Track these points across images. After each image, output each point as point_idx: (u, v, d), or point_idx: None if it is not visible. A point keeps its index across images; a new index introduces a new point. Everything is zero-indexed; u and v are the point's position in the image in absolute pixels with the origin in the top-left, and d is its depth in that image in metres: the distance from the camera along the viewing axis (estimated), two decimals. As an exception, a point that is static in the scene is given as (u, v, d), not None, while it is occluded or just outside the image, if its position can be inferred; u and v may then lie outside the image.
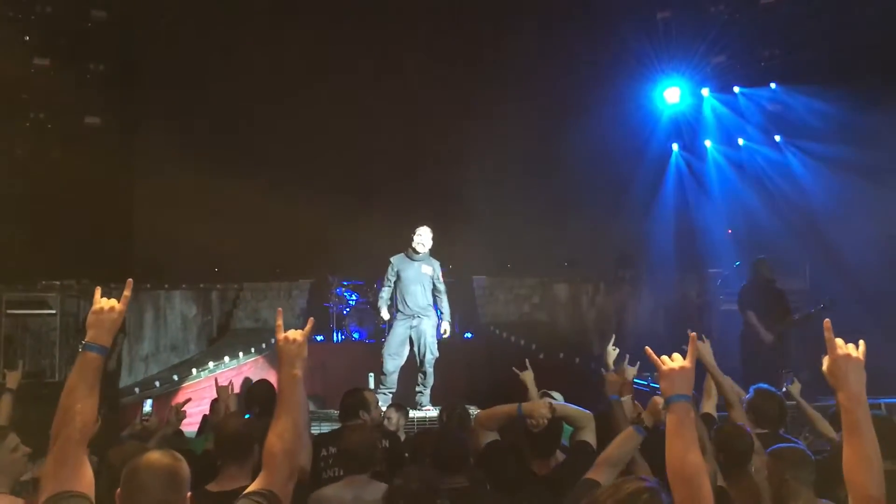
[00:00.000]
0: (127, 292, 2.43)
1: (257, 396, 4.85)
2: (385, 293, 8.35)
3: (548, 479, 3.63)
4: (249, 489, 2.35)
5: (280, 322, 2.57)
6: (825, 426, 4.39)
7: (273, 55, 13.31)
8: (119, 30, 12.71)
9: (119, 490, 2.19)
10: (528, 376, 4.53)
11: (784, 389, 4.97)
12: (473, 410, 6.58)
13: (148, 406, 7.07)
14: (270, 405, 4.79)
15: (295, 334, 2.55)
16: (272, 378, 6.41)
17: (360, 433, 3.93)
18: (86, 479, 2.19)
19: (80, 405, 2.21)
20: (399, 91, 13.67)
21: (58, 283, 10.31)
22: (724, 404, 4.75)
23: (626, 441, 3.17)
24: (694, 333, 2.57)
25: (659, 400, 3.37)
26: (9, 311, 9.65)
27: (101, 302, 2.38)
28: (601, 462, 3.10)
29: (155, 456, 2.25)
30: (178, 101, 13.23)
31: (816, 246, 10.07)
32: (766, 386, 4.52)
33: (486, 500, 3.56)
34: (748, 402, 4.58)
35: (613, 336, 4.87)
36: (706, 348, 4.31)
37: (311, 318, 2.72)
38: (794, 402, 5.08)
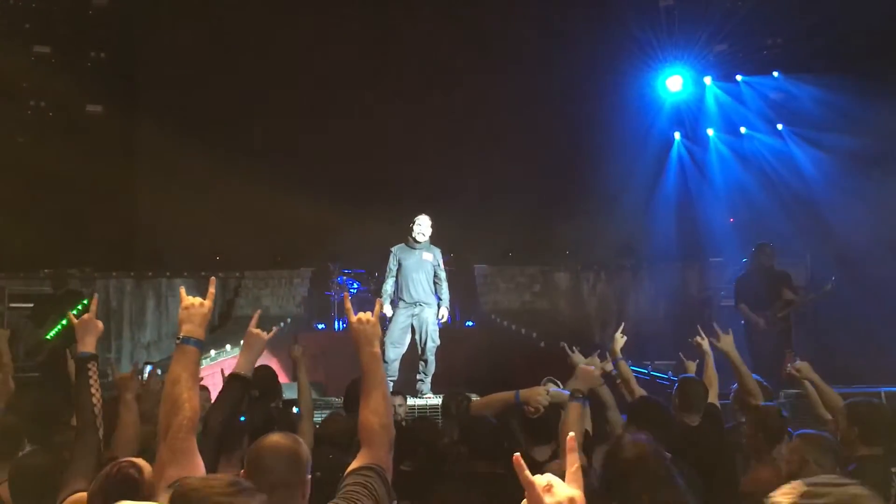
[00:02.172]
0: (212, 289, 2.62)
1: (257, 380, 4.88)
2: (388, 285, 8.26)
3: (548, 465, 3.64)
4: (354, 465, 2.39)
5: (349, 305, 2.67)
6: (823, 411, 4.38)
7: (274, 44, 13.27)
8: (120, 17, 12.69)
9: (243, 471, 2.29)
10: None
11: (789, 370, 4.94)
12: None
13: (147, 373, 7.08)
14: (270, 388, 4.86)
15: (366, 315, 2.63)
16: (273, 365, 6.44)
17: (338, 422, 3.96)
18: (199, 464, 2.29)
19: (186, 394, 2.35)
20: (400, 79, 13.65)
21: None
22: (724, 392, 4.78)
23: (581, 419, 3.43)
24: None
25: (586, 368, 3.66)
26: (11, 305, 9.65)
27: (189, 299, 2.55)
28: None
29: (276, 438, 2.35)
30: (179, 88, 13.21)
31: (818, 234, 10.06)
32: (754, 376, 4.52)
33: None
34: (734, 391, 4.59)
35: (623, 324, 4.86)
36: (729, 340, 4.33)
37: (379, 300, 2.83)
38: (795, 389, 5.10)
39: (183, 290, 2.58)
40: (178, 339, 2.46)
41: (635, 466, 2.58)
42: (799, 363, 4.53)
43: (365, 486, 2.32)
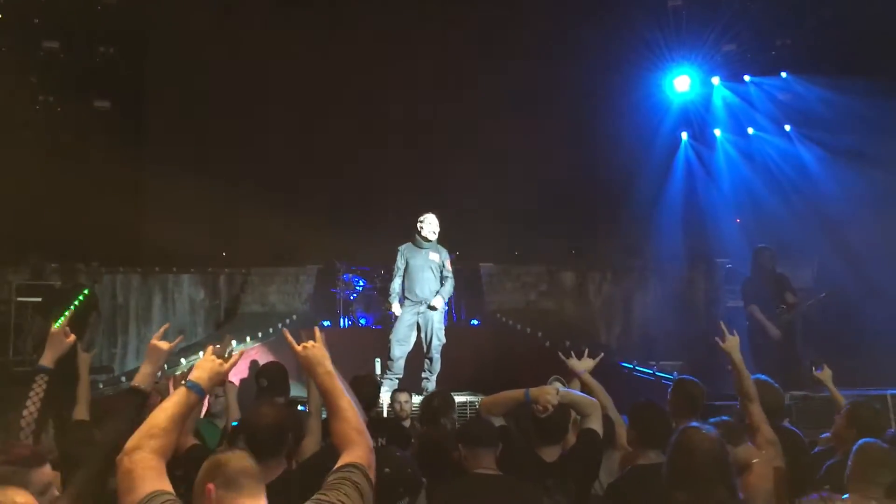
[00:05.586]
0: (236, 356, 2.67)
1: (266, 371, 5.02)
2: (396, 284, 8.29)
3: (556, 465, 3.64)
4: (340, 463, 2.44)
5: (290, 339, 2.75)
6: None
7: (280, 44, 13.27)
8: (129, 12, 12.70)
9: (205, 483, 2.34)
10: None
11: (815, 374, 5.02)
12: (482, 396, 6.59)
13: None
14: (278, 379, 4.93)
15: (307, 343, 2.71)
16: (281, 360, 6.49)
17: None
18: (168, 484, 2.30)
19: (166, 426, 2.36)
20: (406, 77, 13.64)
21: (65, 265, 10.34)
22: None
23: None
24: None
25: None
26: (19, 299, 9.67)
27: (213, 357, 2.60)
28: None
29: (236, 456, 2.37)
30: (187, 85, 13.23)
31: (826, 237, 10.03)
32: (764, 377, 4.47)
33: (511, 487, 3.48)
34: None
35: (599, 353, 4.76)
36: (735, 342, 4.22)
37: (316, 328, 2.84)
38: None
39: (211, 348, 2.65)
40: (184, 382, 2.50)
41: (708, 459, 2.57)
42: (821, 372, 4.72)
43: (349, 479, 2.35)
